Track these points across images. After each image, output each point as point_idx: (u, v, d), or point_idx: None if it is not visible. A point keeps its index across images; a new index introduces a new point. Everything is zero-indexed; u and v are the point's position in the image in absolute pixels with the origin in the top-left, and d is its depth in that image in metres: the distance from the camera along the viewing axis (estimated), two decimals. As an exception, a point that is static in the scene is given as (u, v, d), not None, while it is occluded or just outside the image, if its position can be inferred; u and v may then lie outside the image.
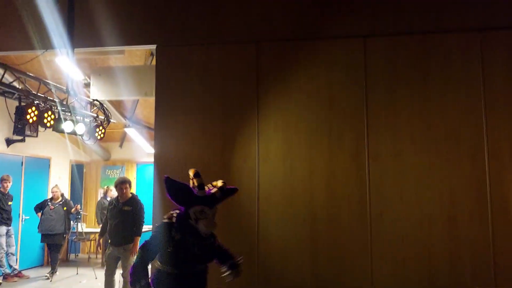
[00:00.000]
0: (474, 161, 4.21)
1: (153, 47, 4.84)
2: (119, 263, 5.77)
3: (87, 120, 7.42)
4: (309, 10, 4.60)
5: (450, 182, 4.21)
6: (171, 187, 2.98)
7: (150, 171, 10.13)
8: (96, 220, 9.94)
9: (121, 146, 11.13)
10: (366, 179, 4.33)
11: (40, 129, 7.27)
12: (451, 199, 4.19)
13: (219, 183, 3.06)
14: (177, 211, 3.08)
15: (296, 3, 4.64)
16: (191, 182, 3.11)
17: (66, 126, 6.73)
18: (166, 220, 3.04)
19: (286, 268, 4.39)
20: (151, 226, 4.81)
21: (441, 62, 4.34)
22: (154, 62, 4.87)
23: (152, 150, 7.94)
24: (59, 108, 6.64)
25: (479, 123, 4.24)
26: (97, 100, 6.96)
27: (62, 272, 8.43)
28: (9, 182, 7.67)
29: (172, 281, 2.97)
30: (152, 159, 4.94)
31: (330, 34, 4.54)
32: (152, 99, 5.13)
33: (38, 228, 8.13)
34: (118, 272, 5.80)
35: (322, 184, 4.42)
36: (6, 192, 7.64)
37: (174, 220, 3.02)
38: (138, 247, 5.42)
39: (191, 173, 3.07)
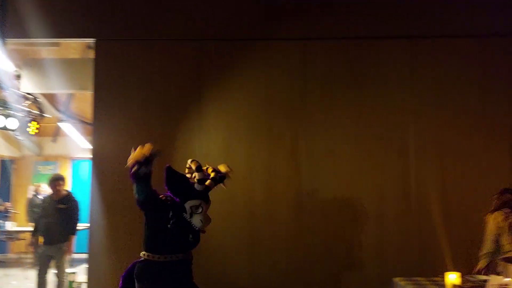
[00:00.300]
0: (401, 160, 4.52)
1: (92, 41, 4.71)
2: (52, 262, 5.57)
3: (19, 114, 7.06)
4: (251, 11, 4.70)
5: (379, 180, 4.49)
6: (171, 177, 2.90)
7: (86, 168, 9.81)
8: (27, 218, 9.46)
9: (54, 141, 10.64)
10: (302, 177, 4.51)
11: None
12: (380, 196, 4.47)
13: (196, 175, 2.96)
14: (169, 197, 2.99)
15: (239, 3, 4.71)
16: (186, 171, 3.10)
17: (-3, 120, 6.37)
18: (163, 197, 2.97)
19: (225, 264, 4.47)
20: (87, 224, 4.69)
21: (374, 66, 4.61)
22: (92, 56, 4.73)
23: (88, 146, 7.69)
24: (-13, 101, 6.26)
25: (406, 125, 4.55)
26: (30, 94, 6.63)
27: (-11, 274, 7.98)
28: None
29: (161, 270, 2.86)
30: (88, 155, 4.82)
31: (270, 35, 4.66)
32: (88, 93, 4.99)
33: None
34: (51, 272, 5.61)
35: (262, 181, 4.54)
36: None
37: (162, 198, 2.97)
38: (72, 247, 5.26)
39: (193, 165, 2.98)
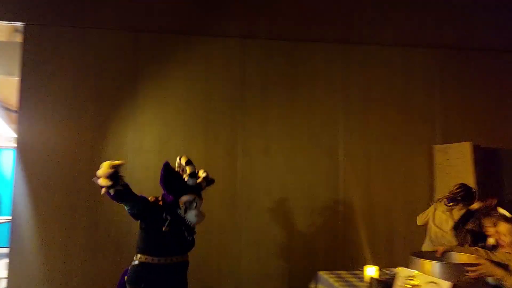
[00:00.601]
0: (331, 159, 4.74)
1: (20, 24, 4.45)
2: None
3: None
4: (191, 6, 4.69)
5: (310, 178, 4.68)
6: (169, 174, 2.82)
7: (9, 157, 9.22)
8: None
9: (-27, 127, 9.89)
10: (238, 173, 4.59)
11: None
12: (310, 193, 4.66)
13: (188, 169, 2.86)
14: (159, 197, 2.91)
15: (178, -3, 4.69)
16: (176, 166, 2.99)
17: None
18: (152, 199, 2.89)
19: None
20: (8, 217, 4.44)
21: (309, 68, 4.79)
22: (20, 40, 4.47)
23: (13, 134, 7.24)
24: None
25: (337, 126, 4.78)
26: None
27: None
28: None
29: (160, 273, 2.75)
30: (12, 144, 4.56)
31: (210, 31, 4.68)
32: (14, 79, 4.71)
33: None
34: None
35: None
36: None
37: (161, 203, 2.87)
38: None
39: (183, 160, 2.90)
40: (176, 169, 2.97)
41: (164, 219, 2.76)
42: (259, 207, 4.58)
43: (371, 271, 3.17)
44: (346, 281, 3.31)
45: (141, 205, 2.76)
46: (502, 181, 4.61)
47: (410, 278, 2.46)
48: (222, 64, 4.68)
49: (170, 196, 2.82)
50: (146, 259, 2.75)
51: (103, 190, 2.60)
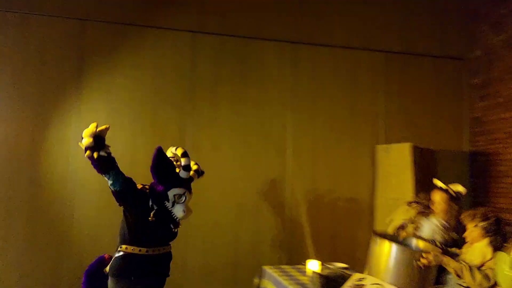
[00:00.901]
0: (279, 156, 4.82)
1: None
2: None
3: None
4: (141, -4, 4.60)
5: (259, 174, 4.73)
6: (162, 161, 2.65)
7: None
8: None
9: None
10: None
11: None
12: (259, 189, 4.71)
13: (183, 161, 2.75)
14: (147, 186, 2.75)
15: (128, -13, 4.57)
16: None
17: None
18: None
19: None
20: None
21: (259, 66, 4.83)
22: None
23: None
24: None
25: (285, 124, 4.86)
26: None
27: None
28: None
29: (146, 264, 2.63)
30: None
31: (160, 24, 4.61)
32: None
33: None
34: None
35: (143, 173, 4.46)
36: None
37: (139, 186, 2.73)
38: None
39: (178, 152, 2.76)
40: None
41: (150, 208, 2.64)
42: (207, 202, 4.57)
43: (313, 265, 3.26)
44: (289, 275, 3.39)
45: (125, 183, 2.59)
46: (438, 178, 4.86)
47: (360, 279, 2.58)
48: (172, 57, 4.62)
49: (160, 186, 2.67)
50: (133, 250, 2.62)
51: (87, 152, 2.43)
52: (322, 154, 4.94)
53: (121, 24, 4.51)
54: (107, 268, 2.70)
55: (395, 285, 2.42)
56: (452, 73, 5.38)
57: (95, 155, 2.43)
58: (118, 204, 2.68)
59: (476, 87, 5.32)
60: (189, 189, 2.76)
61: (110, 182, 2.56)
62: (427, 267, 2.43)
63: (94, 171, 4.29)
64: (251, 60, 4.81)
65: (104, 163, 2.49)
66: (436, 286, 2.54)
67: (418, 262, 2.43)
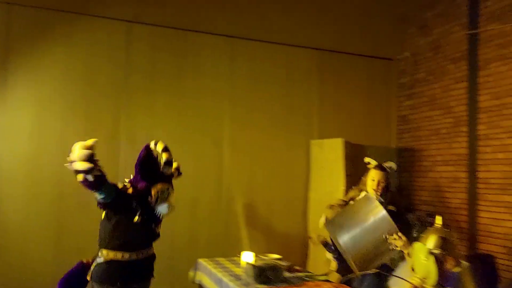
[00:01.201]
0: (216, 149, 4.84)
1: None
2: None
3: None
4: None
5: (194, 167, 4.72)
6: (149, 158, 2.58)
7: None
8: None
9: None
10: (121, 161, 4.45)
11: None
12: (195, 181, 4.70)
13: (164, 156, 2.64)
14: (127, 184, 2.63)
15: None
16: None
17: None
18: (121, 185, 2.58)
19: (27, 254, 4.13)
20: None
21: (196, 60, 4.80)
22: None
23: None
24: None
25: (222, 118, 4.89)
26: None
27: None
28: None
29: (126, 269, 2.53)
30: None
31: (94, 12, 4.44)
32: None
33: None
34: None
35: (75, 163, 4.32)
36: None
37: (130, 191, 2.57)
38: None
39: (159, 147, 2.63)
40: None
41: (134, 209, 2.54)
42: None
43: (247, 257, 3.33)
44: (224, 267, 3.43)
45: (116, 193, 2.47)
46: (367, 174, 5.12)
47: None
48: (106, 46, 4.48)
49: (142, 183, 2.58)
50: (115, 255, 2.53)
51: (80, 176, 2.27)
52: (259, 147, 5.02)
53: (51, 10, 4.30)
54: (89, 276, 2.60)
55: (356, 242, 2.52)
56: (382, 73, 5.67)
57: (90, 178, 2.29)
58: (100, 208, 2.55)
59: (403, 87, 5.65)
60: (172, 185, 2.72)
61: (101, 196, 2.43)
62: (392, 248, 2.51)
63: (22, 164, 4.14)
64: (188, 53, 4.77)
65: (100, 181, 2.36)
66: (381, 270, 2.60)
67: (390, 237, 2.50)
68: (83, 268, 2.64)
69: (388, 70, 5.70)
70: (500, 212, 4.26)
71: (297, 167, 5.19)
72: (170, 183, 2.71)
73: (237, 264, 3.47)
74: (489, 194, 4.39)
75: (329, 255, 3.27)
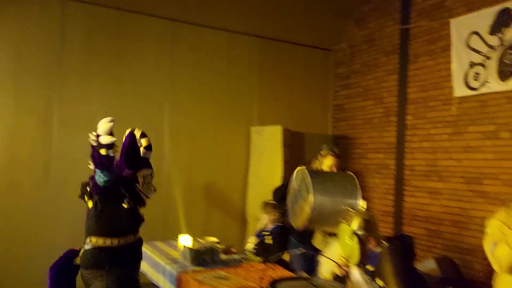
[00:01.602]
0: (156, 135, 4.69)
1: None
2: None
3: None
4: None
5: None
6: (134, 145, 2.55)
7: None
8: None
9: None
10: (53, 144, 4.30)
11: None
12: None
13: (143, 141, 2.62)
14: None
15: None
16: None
17: None
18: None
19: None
20: None
21: (136, 42, 4.70)
22: None
23: None
24: None
25: (162, 102, 4.84)
26: None
27: None
28: None
29: (114, 255, 2.52)
30: None
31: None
32: None
33: None
34: None
35: (4, 146, 4.12)
36: None
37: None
38: None
39: (137, 132, 2.60)
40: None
41: (122, 195, 2.56)
42: (76, 181, 4.37)
43: (185, 240, 3.37)
44: (161, 251, 3.46)
45: (113, 176, 2.46)
46: (304, 159, 5.31)
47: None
48: (39, 25, 4.26)
49: (126, 170, 2.56)
50: (104, 242, 2.51)
51: (103, 151, 2.31)
52: (199, 133, 5.04)
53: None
54: (78, 260, 2.61)
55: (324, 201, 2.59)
56: (321, 63, 5.87)
57: (111, 153, 2.35)
58: (93, 194, 2.56)
59: (340, 77, 5.88)
60: (152, 168, 2.76)
61: (105, 178, 2.42)
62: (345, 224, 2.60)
63: None
64: (127, 35, 4.66)
65: (113, 160, 2.41)
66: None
67: (349, 211, 2.56)
68: (72, 255, 2.67)
69: (326, 60, 5.90)
70: (423, 197, 4.61)
71: (237, 152, 5.27)
72: (151, 167, 2.75)
73: (175, 247, 3.51)
74: (413, 180, 4.73)
75: (252, 239, 3.57)
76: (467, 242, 4.14)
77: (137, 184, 2.63)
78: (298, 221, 2.77)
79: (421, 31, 4.76)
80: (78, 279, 2.65)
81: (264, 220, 3.66)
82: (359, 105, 5.56)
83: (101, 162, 2.36)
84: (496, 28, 3.97)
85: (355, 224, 2.33)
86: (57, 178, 4.31)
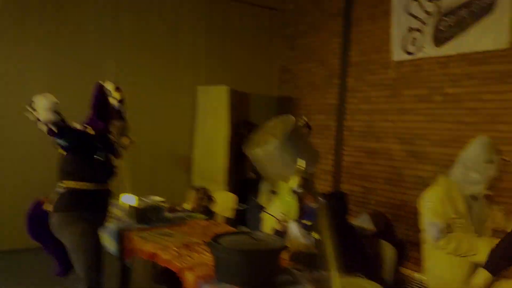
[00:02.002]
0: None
1: None
2: None
3: None
4: None
5: (76, 116, 4.50)
6: (101, 96, 2.61)
7: None
8: None
9: None
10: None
11: None
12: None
13: (117, 95, 2.70)
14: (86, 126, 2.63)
15: None
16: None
17: None
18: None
19: None
20: None
21: (76, 4, 4.48)
22: None
23: None
24: None
25: (105, 59, 4.68)
26: None
27: None
28: None
29: (86, 198, 2.60)
30: None
31: None
32: None
33: None
34: None
35: None
36: None
37: (92, 132, 2.60)
38: None
39: (110, 86, 2.68)
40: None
41: (97, 147, 2.63)
42: (16, 138, 4.23)
43: (129, 200, 3.38)
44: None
45: (77, 137, 2.55)
46: (251, 119, 5.39)
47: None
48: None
49: (100, 123, 2.66)
50: (77, 184, 2.59)
51: (44, 127, 2.33)
52: (145, 92, 4.95)
53: None
54: (48, 205, 2.64)
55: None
56: (268, 23, 5.86)
57: (55, 128, 2.35)
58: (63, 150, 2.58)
59: (286, 38, 5.92)
60: (126, 121, 2.84)
61: (64, 143, 2.49)
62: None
63: None
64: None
65: (62, 131, 2.42)
66: None
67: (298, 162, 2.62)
68: (40, 205, 2.70)
69: (273, 21, 5.89)
70: (360, 157, 4.86)
71: (183, 112, 5.26)
72: (125, 119, 2.83)
73: (118, 207, 3.50)
74: (352, 140, 4.96)
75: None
76: (399, 198, 4.46)
77: (110, 136, 2.73)
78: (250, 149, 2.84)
79: (365, -6, 4.85)
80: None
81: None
82: (304, 67, 5.66)
83: (51, 134, 2.40)
84: (434, -5, 4.13)
85: (294, 182, 2.46)
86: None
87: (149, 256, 2.56)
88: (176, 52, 5.14)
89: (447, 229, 2.32)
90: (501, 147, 3.54)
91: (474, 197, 2.38)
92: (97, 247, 2.63)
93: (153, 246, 2.58)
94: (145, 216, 3.16)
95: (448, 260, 2.36)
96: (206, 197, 3.75)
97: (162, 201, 3.62)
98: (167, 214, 3.36)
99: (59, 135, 2.42)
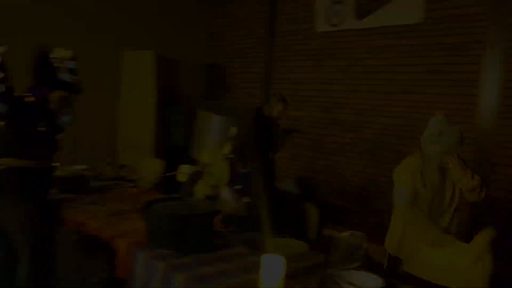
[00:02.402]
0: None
1: None
2: None
3: None
4: None
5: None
6: (40, 61, 2.37)
7: None
8: None
9: None
10: None
11: None
12: None
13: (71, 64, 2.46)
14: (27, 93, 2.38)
15: None
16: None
17: None
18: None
19: None
20: None
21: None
22: None
23: None
24: None
25: (22, 13, 4.34)
26: None
27: None
28: None
29: (27, 176, 2.39)
30: None
31: None
32: None
33: None
34: None
35: None
36: None
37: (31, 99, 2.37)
38: None
39: (65, 54, 2.44)
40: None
41: (37, 118, 2.41)
42: None
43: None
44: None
45: (16, 103, 2.29)
46: (180, 86, 5.32)
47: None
48: None
49: (43, 90, 2.43)
50: (18, 162, 2.38)
51: None
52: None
53: None
54: None
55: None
56: (195, -13, 5.72)
57: (2, 88, 2.16)
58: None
59: (215, 4, 5.83)
60: (74, 94, 2.58)
61: (3, 108, 2.24)
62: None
63: None
64: None
65: (8, 93, 2.21)
66: None
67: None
68: None
69: (200, -15, 5.77)
70: (286, 125, 5.02)
71: (107, 77, 5.04)
72: (71, 91, 2.57)
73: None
74: (278, 108, 5.09)
75: None
76: (321, 164, 4.72)
77: (50, 106, 2.50)
78: None
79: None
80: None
81: None
82: (232, 34, 5.65)
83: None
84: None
85: (226, 148, 2.54)
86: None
87: (77, 225, 2.50)
88: (100, 15, 4.86)
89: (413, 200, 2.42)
90: (413, 115, 3.90)
91: (442, 169, 2.47)
92: (44, 227, 2.49)
93: (82, 215, 2.52)
94: (69, 185, 3.05)
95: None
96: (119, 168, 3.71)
97: (85, 169, 3.51)
98: (95, 182, 3.28)
99: (2, 97, 2.21)
